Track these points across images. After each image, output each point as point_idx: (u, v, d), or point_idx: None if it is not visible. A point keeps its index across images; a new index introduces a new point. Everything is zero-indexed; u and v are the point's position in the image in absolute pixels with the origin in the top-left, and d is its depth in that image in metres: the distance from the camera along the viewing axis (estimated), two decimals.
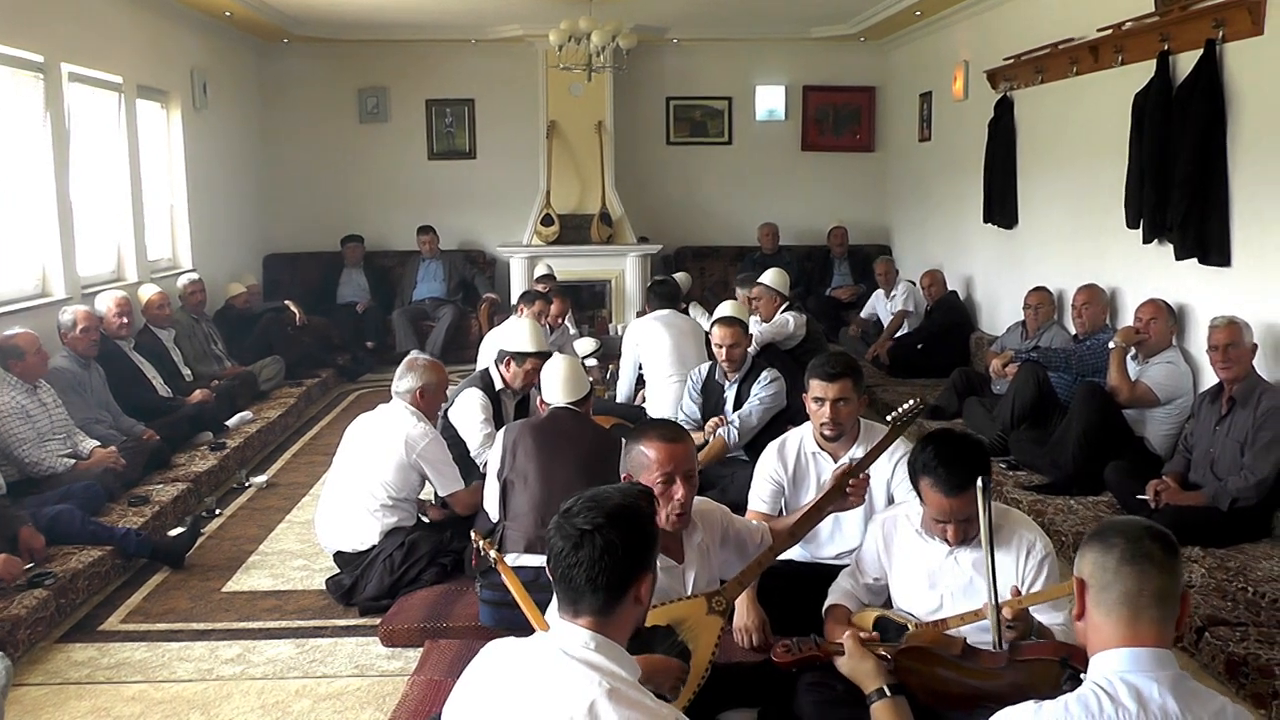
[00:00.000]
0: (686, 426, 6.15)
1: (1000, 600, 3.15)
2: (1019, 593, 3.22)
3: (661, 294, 7.60)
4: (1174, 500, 5.38)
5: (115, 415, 6.77)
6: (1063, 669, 2.74)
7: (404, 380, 5.24)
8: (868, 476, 3.85)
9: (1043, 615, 3.31)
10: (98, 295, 7.58)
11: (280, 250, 12.16)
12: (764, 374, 6.15)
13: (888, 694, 2.98)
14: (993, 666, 3.05)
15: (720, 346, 6.19)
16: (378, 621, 4.73)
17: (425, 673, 4.15)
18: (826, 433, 4.34)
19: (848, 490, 3.76)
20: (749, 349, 6.41)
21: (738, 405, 6.17)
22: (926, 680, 3.15)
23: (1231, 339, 5.34)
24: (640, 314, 7.63)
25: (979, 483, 3.15)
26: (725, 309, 6.45)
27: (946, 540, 3.51)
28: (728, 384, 6.26)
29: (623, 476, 3.49)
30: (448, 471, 5.20)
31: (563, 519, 2.29)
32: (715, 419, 6.14)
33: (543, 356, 5.81)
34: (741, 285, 8.32)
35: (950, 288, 9.95)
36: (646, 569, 2.32)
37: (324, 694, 4.18)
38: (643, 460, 3.41)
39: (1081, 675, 2.22)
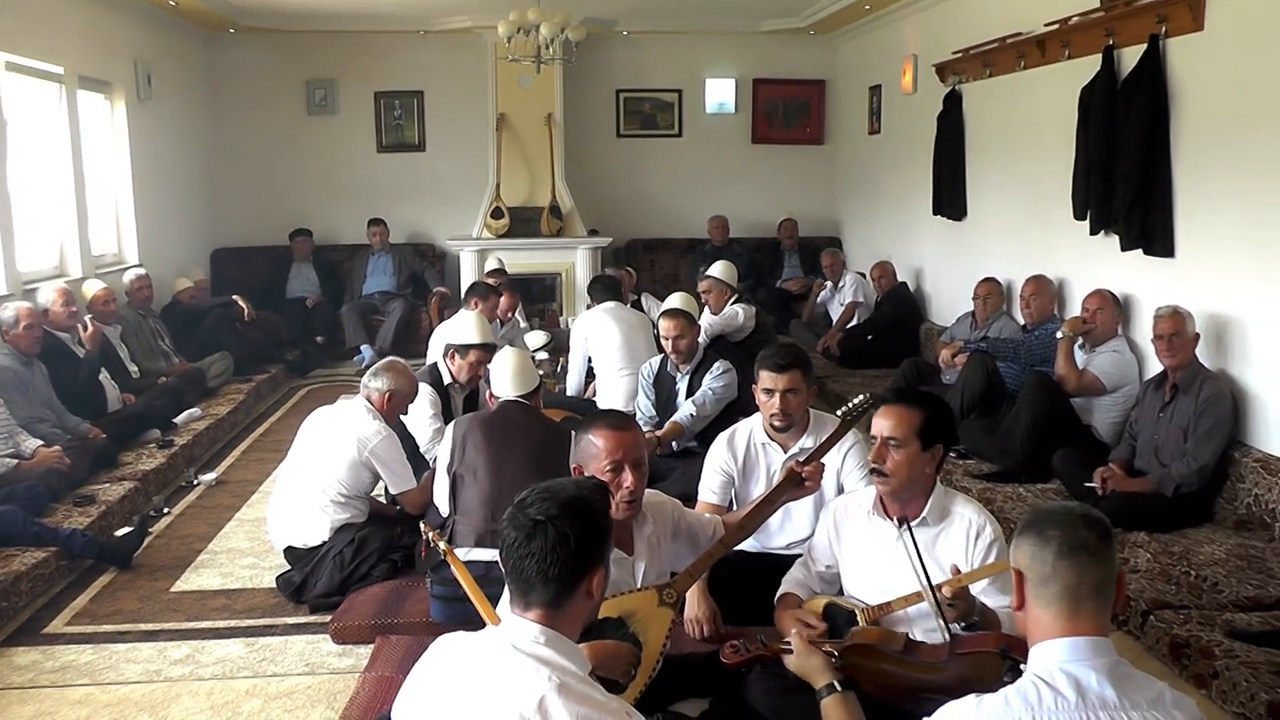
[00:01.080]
0: (642, 422, 6.19)
1: (940, 581, 3.18)
2: (959, 571, 3.24)
3: (604, 286, 7.63)
4: (1120, 487, 5.46)
5: (59, 414, 6.65)
6: (1003, 659, 2.76)
7: (378, 379, 5.20)
8: (823, 465, 3.86)
9: (990, 599, 3.33)
10: (38, 289, 7.44)
11: (228, 244, 12.02)
12: (715, 365, 6.19)
13: (837, 689, 2.99)
14: (935, 660, 3.08)
15: (667, 339, 6.21)
16: (328, 619, 4.69)
17: (376, 669, 4.12)
18: (776, 424, 4.36)
19: (804, 475, 3.77)
20: (699, 340, 6.44)
21: (690, 397, 6.20)
22: (873, 675, 3.17)
23: (1175, 328, 5.43)
24: (589, 307, 7.63)
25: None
26: (673, 301, 6.47)
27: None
28: (680, 376, 6.28)
29: (572, 468, 3.48)
30: (400, 470, 5.17)
31: (516, 510, 2.28)
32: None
33: (487, 348, 5.81)
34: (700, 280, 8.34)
35: (900, 279, 10.01)
36: (598, 562, 2.31)
37: (274, 693, 4.14)
38: (591, 450, 3.40)
39: (1021, 666, 2.24)
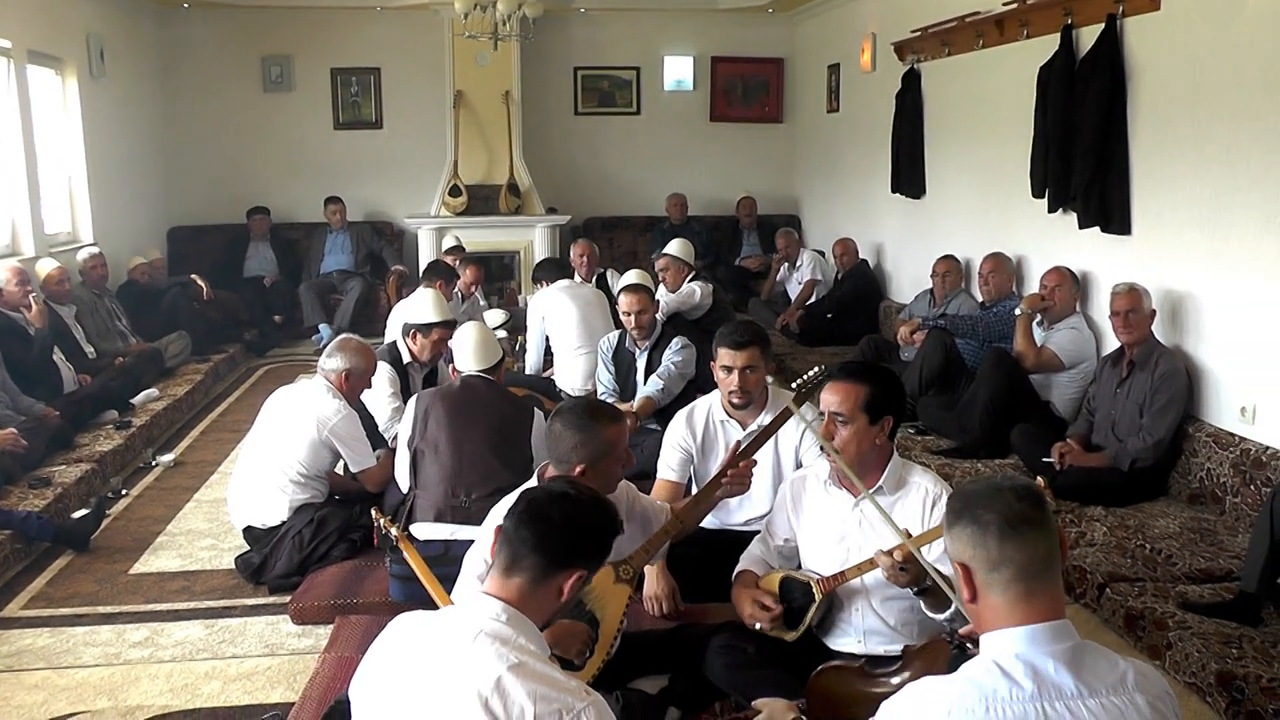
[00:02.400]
0: (608, 398, 6.20)
1: (892, 546, 3.21)
2: (910, 536, 3.26)
3: (551, 267, 7.66)
4: (1077, 462, 5.53)
5: (13, 395, 6.57)
6: (950, 642, 2.79)
7: (333, 359, 5.17)
8: (750, 464, 3.87)
9: (945, 565, 3.35)
10: None
11: (185, 223, 11.87)
12: (674, 341, 6.22)
13: None
14: (893, 670, 3.13)
15: (629, 314, 6.22)
16: (287, 599, 4.68)
17: (336, 650, 4.12)
18: (735, 401, 4.37)
19: (725, 480, 3.80)
20: (657, 316, 6.46)
21: (650, 373, 6.21)
22: (838, 702, 3.23)
23: (1132, 305, 5.49)
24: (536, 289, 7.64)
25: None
26: (631, 277, 6.49)
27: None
28: (639, 351, 6.30)
29: (539, 468, 3.48)
30: (359, 448, 5.15)
31: (556, 480, 2.33)
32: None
33: (448, 325, 5.80)
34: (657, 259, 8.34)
35: (861, 256, 10.02)
36: (584, 565, 2.34)
37: (234, 675, 4.13)
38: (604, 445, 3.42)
39: (968, 646, 2.20)
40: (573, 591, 2.32)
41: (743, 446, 3.91)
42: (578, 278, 8.01)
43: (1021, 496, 2.09)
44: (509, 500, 2.87)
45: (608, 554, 2.45)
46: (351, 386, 5.18)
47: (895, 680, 3.12)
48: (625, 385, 6.35)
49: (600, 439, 3.36)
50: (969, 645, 2.29)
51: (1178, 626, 4.04)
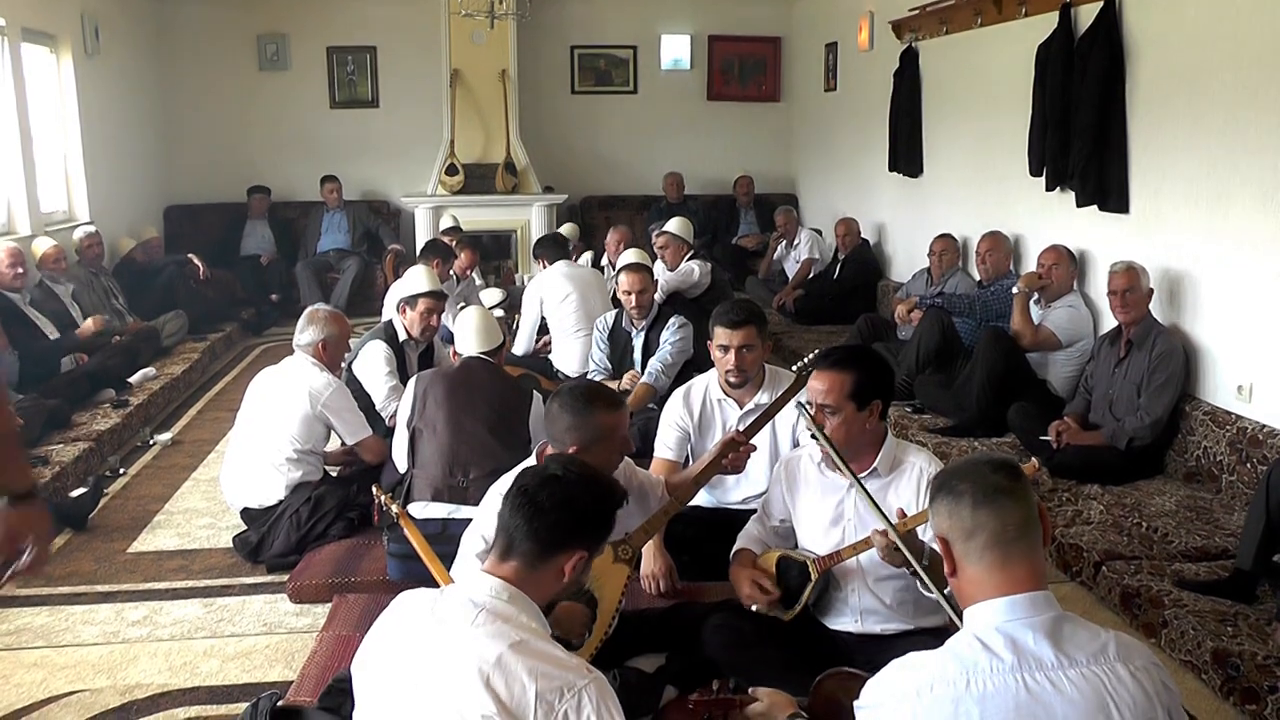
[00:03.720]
0: (598, 375, 6.20)
1: (885, 527, 3.21)
2: (904, 515, 3.27)
3: (552, 245, 7.62)
4: (1075, 440, 5.54)
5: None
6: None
7: (305, 333, 5.17)
8: (749, 449, 3.87)
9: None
10: None
11: (181, 202, 11.85)
12: (671, 320, 6.20)
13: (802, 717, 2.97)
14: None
15: (629, 293, 6.20)
16: (285, 578, 4.69)
17: (334, 628, 4.12)
18: (731, 380, 4.37)
19: (725, 463, 3.80)
20: (655, 296, 6.44)
21: (646, 353, 6.21)
22: (843, 714, 3.22)
23: (1129, 284, 5.49)
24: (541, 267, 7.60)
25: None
26: (630, 256, 6.47)
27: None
28: (635, 331, 6.29)
29: (538, 446, 3.47)
30: (353, 419, 5.16)
31: (549, 460, 2.31)
32: (632, 373, 6.16)
33: (436, 295, 5.81)
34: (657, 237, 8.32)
35: (862, 236, 9.99)
36: (583, 547, 2.32)
37: (232, 653, 4.13)
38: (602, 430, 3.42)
39: (957, 623, 2.22)
40: (575, 572, 2.32)
41: (747, 425, 3.90)
42: (584, 260, 7.99)
43: (997, 468, 2.16)
44: (508, 479, 2.88)
45: (609, 531, 2.43)
46: (330, 355, 5.17)
47: None
48: (620, 365, 6.33)
49: (595, 424, 3.35)
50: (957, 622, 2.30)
51: (1173, 604, 4.05)
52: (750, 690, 2.99)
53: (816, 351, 3.79)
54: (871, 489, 3.38)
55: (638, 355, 6.26)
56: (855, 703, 2.18)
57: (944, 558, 2.17)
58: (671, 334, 6.16)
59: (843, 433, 3.44)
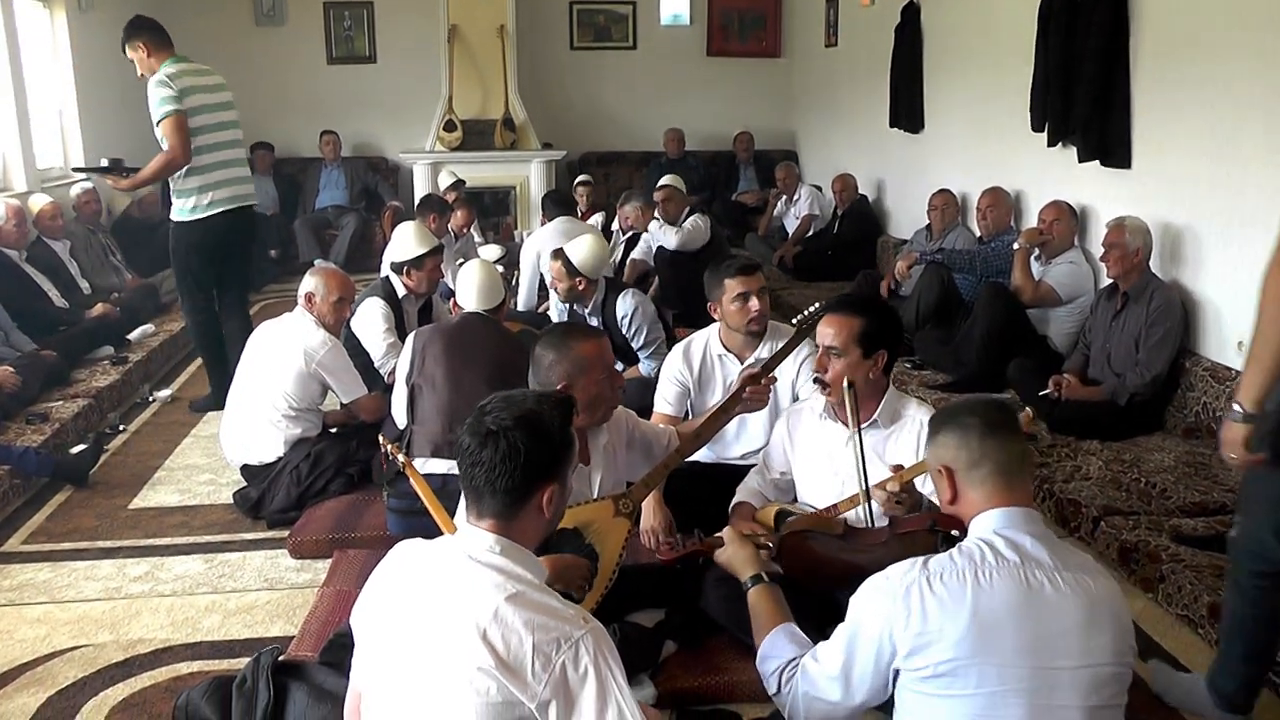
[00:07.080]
0: None
1: (885, 478, 3.24)
2: (902, 468, 3.28)
3: (556, 201, 7.57)
4: (1074, 395, 5.53)
5: (8, 331, 6.56)
6: (934, 534, 2.82)
7: (301, 286, 5.20)
8: (771, 381, 3.85)
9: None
10: None
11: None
12: (619, 306, 5.77)
13: (763, 579, 3.01)
14: (874, 542, 3.12)
15: (554, 283, 5.91)
16: (286, 534, 4.70)
17: (334, 584, 4.14)
18: (754, 327, 4.37)
19: (746, 395, 3.77)
20: (579, 288, 5.80)
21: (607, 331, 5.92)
22: (811, 563, 3.23)
23: (1115, 240, 5.50)
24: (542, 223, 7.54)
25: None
26: (567, 244, 5.97)
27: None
28: (587, 314, 5.90)
29: (559, 386, 3.44)
30: (348, 379, 5.16)
31: (475, 417, 2.27)
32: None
33: (438, 251, 5.79)
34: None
35: (860, 192, 9.97)
36: (550, 479, 2.29)
37: (234, 609, 4.15)
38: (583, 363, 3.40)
39: (954, 534, 2.36)
40: (554, 503, 2.30)
41: (763, 363, 3.89)
42: (596, 220, 7.90)
43: (998, 408, 2.48)
44: None
45: (570, 454, 2.37)
46: (317, 308, 5.15)
47: (870, 556, 3.07)
48: None
49: (576, 355, 3.37)
50: (955, 533, 2.40)
51: (1171, 559, 4.05)
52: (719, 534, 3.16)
53: (817, 304, 3.79)
54: (871, 441, 3.40)
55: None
56: (853, 597, 2.41)
57: (945, 486, 2.43)
58: (632, 325, 5.73)
59: (844, 378, 3.44)
